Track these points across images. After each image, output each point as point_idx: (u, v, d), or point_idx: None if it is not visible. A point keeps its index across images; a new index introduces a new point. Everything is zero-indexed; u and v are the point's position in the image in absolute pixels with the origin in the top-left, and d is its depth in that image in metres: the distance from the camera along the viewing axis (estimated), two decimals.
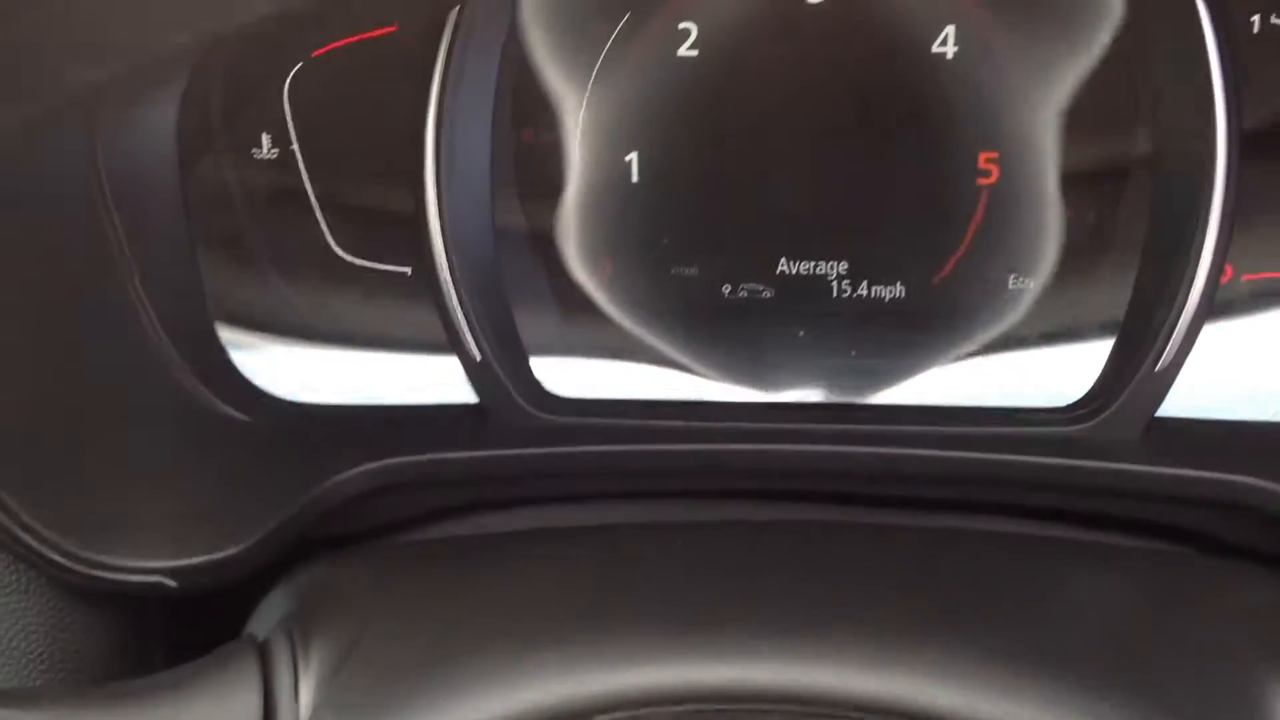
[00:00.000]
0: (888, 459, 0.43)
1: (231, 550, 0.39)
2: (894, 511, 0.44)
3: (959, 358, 0.46)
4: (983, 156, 0.43)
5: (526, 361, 0.45)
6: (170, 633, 0.42)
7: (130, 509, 0.38)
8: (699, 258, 0.46)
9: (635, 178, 0.46)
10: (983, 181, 0.43)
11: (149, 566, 0.38)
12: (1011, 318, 0.45)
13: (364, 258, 0.47)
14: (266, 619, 0.37)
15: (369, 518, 0.43)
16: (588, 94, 0.44)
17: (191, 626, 0.42)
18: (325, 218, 0.46)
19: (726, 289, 0.46)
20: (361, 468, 0.43)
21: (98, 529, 0.37)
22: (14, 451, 0.36)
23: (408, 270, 0.47)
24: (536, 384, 0.46)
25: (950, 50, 0.42)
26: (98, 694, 0.33)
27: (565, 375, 0.47)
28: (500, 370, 0.44)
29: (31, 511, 0.36)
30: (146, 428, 0.41)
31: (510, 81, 0.44)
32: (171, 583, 0.38)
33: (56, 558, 0.36)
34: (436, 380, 0.47)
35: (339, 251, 0.47)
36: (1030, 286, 0.44)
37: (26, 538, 0.36)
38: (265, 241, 0.46)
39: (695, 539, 0.42)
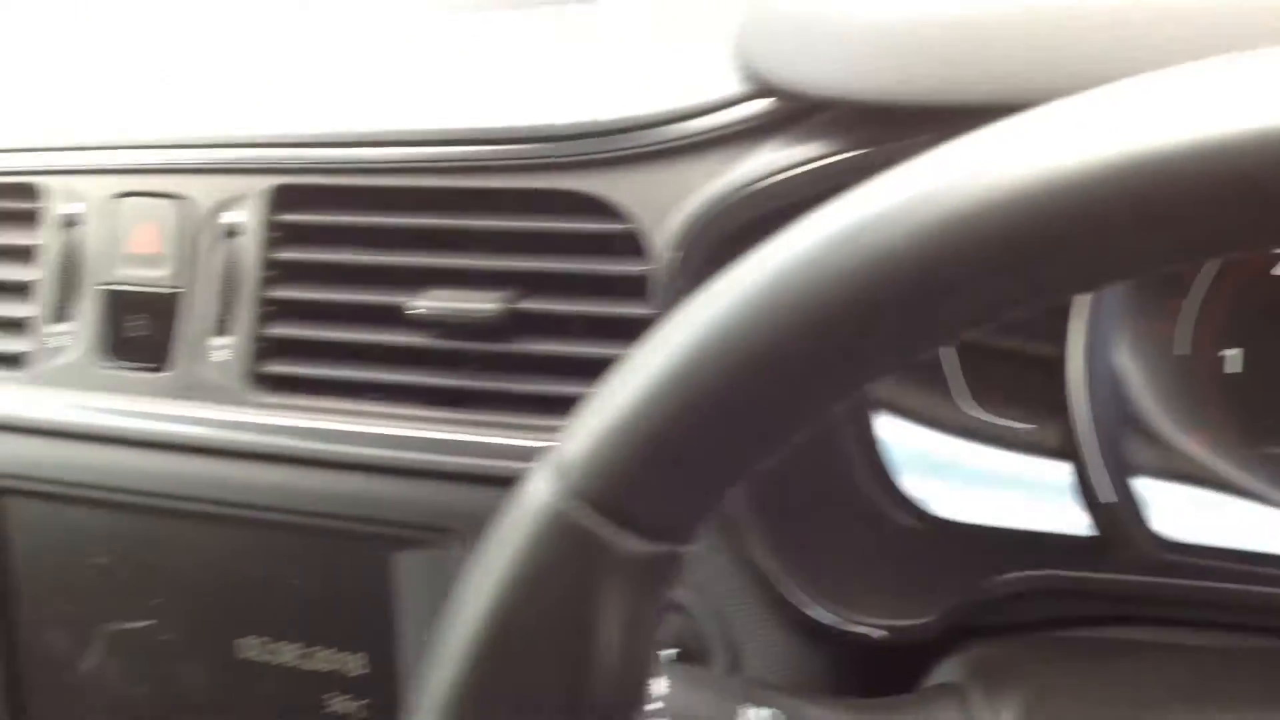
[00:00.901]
0: None
1: (918, 621, 0.54)
2: None
3: None
4: None
5: (1142, 506, 0.57)
6: (856, 671, 0.58)
7: (854, 582, 0.55)
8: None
9: (1231, 369, 0.57)
10: None
11: (867, 621, 0.54)
12: None
13: (995, 414, 0.61)
14: (951, 674, 0.52)
15: (1014, 616, 0.56)
16: (1192, 295, 0.56)
17: (873, 670, 0.57)
18: (958, 375, 0.60)
19: None
20: (1004, 576, 0.56)
21: (836, 594, 0.55)
22: (795, 544, 0.55)
23: (1034, 427, 0.60)
24: (1148, 525, 0.57)
25: None
26: (847, 705, 0.49)
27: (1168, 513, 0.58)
28: (1124, 513, 0.56)
29: (802, 584, 0.54)
30: (859, 529, 0.58)
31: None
32: (880, 633, 0.54)
33: (813, 612, 0.54)
34: (1055, 512, 0.60)
35: (968, 409, 0.61)
36: None
37: (796, 599, 0.54)
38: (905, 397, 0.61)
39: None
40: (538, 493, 0.30)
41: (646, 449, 0.29)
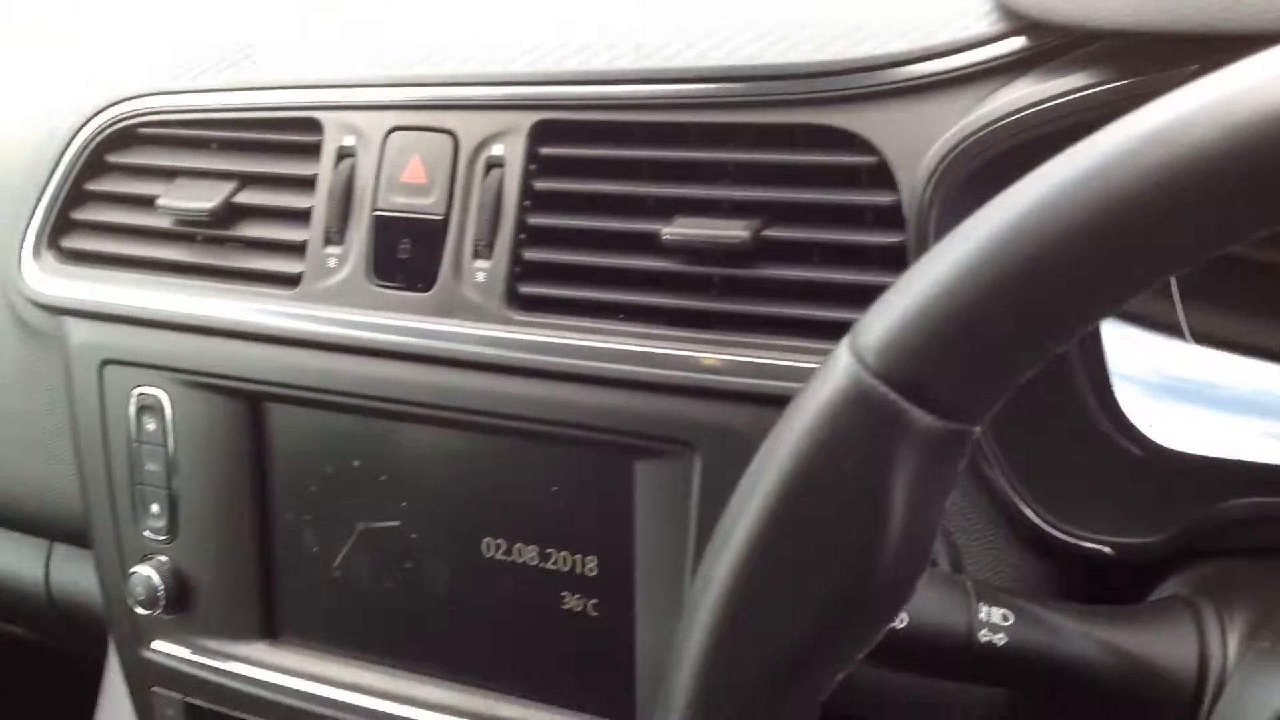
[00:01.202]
0: None
1: (1145, 540, 0.57)
2: None
3: None
4: None
5: None
6: (1077, 587, 0.61)
7: (1082, 501, 0.58)
8: None
9: None
10: None
11: (1094, 538, 0.57)
12: None
13: (1225, 348, 0.63)
14: (1178, 589, 0.54)
15: (1237, 540, 0.58)
16: None
17: (1093, 586, 0.60)
18: (1184, 305, 0.62)
19: None
20: (1228, 502, 0.58)
21: (1066, 511, 0.57)
22: (1027, 462, 0.58)
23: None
24: None
25: None
26: (1079, 610, 0.52)
27: None
28: None
29: (1034, 501, 0.57)
30: (1087, 451, 0.60)
31: None
32: (1109, 551, 0.57)
33: (1044, 527, 0.57)
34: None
35: (1192, 341, 0.63)
36: None
37: (1028, 514, 0.57)
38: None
39: None
40: (838, 369, 0.33)
41: (949, 330, 0.31)
